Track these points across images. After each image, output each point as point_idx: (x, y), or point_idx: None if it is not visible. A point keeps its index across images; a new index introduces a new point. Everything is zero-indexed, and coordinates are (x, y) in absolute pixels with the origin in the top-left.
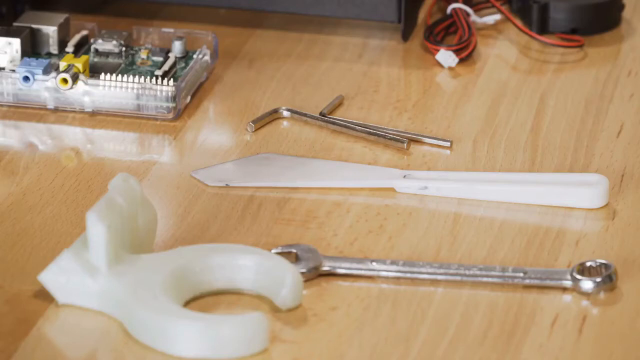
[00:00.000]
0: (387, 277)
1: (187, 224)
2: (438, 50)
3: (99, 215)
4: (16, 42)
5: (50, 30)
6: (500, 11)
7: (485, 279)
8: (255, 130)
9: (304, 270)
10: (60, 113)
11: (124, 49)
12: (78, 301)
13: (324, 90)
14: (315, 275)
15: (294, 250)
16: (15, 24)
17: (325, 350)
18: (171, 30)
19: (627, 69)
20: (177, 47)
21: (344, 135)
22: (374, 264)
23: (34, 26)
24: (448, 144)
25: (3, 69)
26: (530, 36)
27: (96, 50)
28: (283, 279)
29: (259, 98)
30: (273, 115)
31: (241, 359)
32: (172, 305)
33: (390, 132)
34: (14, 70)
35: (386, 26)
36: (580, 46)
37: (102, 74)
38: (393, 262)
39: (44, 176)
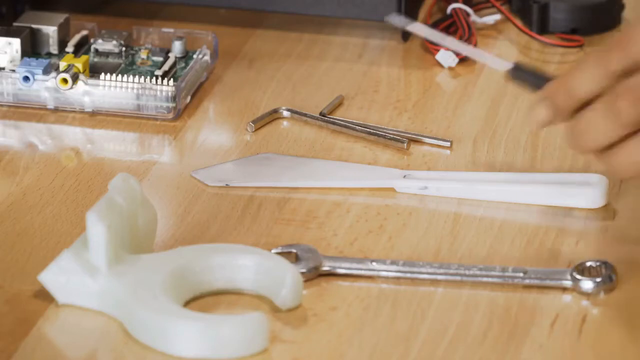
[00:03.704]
0: (387, 277)
1: (187, 224)
2: (438, 50)
3: (99, 215)
4: (16, 42)
5: (50, 30)
6: (500, 11)
7: (485, 279)
8: (255, 130)
9: (304, 270)
10: (60, 113)
11: (124, 49)
12: (78, 301)
13: (324, 90)
14: (315, 275)
15: (294, 250)
16: (15, 24)
17: (325, 350)
18: (171, 30)
19: None
20: (177, 47)
21: (344, 135)
22: (374, 264)
23: (34, 26)
24: (448, 144)
25: (3, 69)
26: (530, 36)
27: (96, 50)
28: (283, 279)
29: (259, 98)
30: (273, 115)
31: (241, 359)
32: (172, 305)
33: (390, 132)
34: (14, 70)
35: (386, 26)
36: (580, 46)
37: (102, 74)
38: (393, 262)
39: (44, 176)
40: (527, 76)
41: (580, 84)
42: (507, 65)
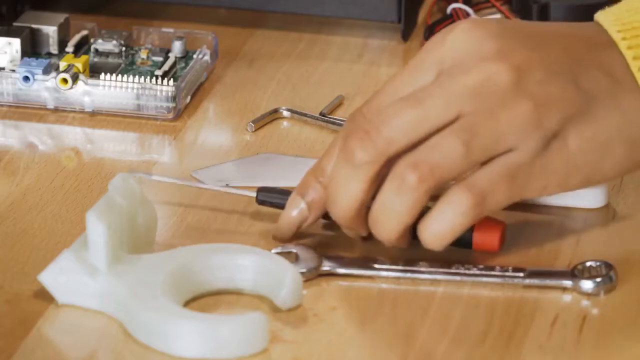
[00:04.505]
0: (387, 277)
1: (187, 224)
2: None
3: (99, 215)
4: (16, 42)
5: (50, 30)
6: (500, 11)
7: (485, 279)
8: (255, 130)
9: (304, 270)
10: (60, 113)
11: (124, 49)
12: (78, 301)
13: (324, 90)
14: (315, 275)
15: (294, 250)
16: (15, 24)
17: (325, 350)
18: (171, 30)
19: None
20: (177, 47)
21: None
22: (374, 264)
23: (34, 26)
24: None
25: (3, 69)
26: None
27: (96, 50)
28: (283, 279)
29: (259, 98)
30: (273, 115)
31: (241, 359)
32: (172, 305)
33: None
34: (14, 70)
35: (386, 26)
36: None
37: (102, 74)
38: (393, 262)
39: (44, 176)
40: (273, 197)
41: (327, 165)
42: (253, 193)
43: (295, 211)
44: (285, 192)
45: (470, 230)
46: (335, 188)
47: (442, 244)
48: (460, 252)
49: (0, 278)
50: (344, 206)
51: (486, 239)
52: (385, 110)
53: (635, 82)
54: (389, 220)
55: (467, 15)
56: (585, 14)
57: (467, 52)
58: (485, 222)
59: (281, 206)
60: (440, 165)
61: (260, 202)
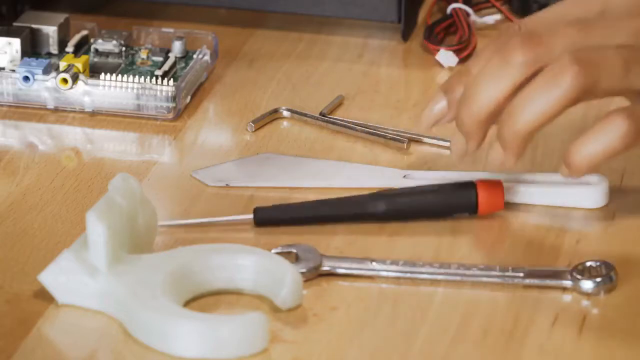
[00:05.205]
0: (387, 277)
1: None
2: (438, 50)
3: (99, 215)
4: (16, 42)
5: (50, 30)
6: (500, 11)
7: (485, 279)
8: (255, 130)
9: (304, 270)
10: (60, 113)
11: (124, 49)
12: (78, 301)
13: (324, 90)
14: (315, 275)
15: (294, 250)
16: (15, 24)
17: (325, 350)
18: (171, 30)
19: None
20: (177, 47)
21: (344, 135)
22: (374, 264)
23: (34, 26)
24: (448, 144)
25: (3, 69)
26: None
27: (96, 50)
28: (283, 279)
29: (259, 98)
30: (273, 115)
31: (241, 359)
32: (172, 305)
33: (390, 132)
34: (14, 70)
35: (386, 26)
36: None
37: (102, 74)
38: (393, 262)
39: (44, 176)
40: (272, 214)
41: (475, 68)
42: (249, 216)
43: (436, 107)
44: (282, 207)
45: (475, 192)
46: (482, 81)
47: (590, 166)
48: (460, 252)
49: (0, 278)
50: (481, 102)
51: (491, 198)
52: (552, 26)
53: None
54: (531, 108)
55: (467, 15)
56: None
57: (633, 1)
58: (485, 182)
59: (280, 220)
60: (602, 68)
61: (259, 222)
